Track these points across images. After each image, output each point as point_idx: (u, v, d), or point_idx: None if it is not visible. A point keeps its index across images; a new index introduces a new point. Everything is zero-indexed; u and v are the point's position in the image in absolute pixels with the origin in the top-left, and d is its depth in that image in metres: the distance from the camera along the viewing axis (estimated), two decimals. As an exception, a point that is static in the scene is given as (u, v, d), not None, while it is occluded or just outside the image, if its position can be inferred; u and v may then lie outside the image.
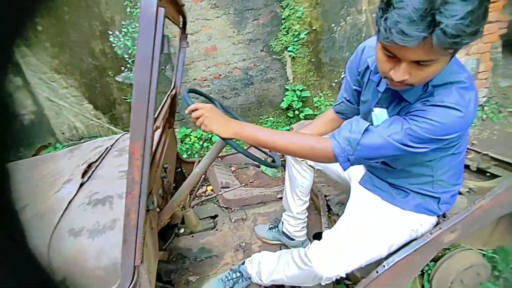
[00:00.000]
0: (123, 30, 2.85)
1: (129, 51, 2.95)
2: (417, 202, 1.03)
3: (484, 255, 1.40)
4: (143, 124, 0.74)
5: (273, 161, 1.38)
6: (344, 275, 1.02)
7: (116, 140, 1.75)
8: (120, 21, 2.88)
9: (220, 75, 3.29)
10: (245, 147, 1.72)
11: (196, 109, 0.95)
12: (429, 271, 1.41)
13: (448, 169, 0.98)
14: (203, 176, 2.17)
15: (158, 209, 1.25)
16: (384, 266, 1.02)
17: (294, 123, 3.23)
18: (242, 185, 2.02)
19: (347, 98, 1.20)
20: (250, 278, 1.29)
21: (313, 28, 3.20)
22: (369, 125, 0.86)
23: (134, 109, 0.73)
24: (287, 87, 3.40)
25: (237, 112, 3.42)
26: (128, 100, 3.23)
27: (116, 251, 0.92)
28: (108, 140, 1.78)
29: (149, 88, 0.72)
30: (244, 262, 1.32)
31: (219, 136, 0.96)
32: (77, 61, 3.02)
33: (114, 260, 0.91)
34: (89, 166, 1.41)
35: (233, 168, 2.43)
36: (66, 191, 1.22)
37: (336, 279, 1.07)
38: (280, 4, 3.08)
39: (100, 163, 1.45)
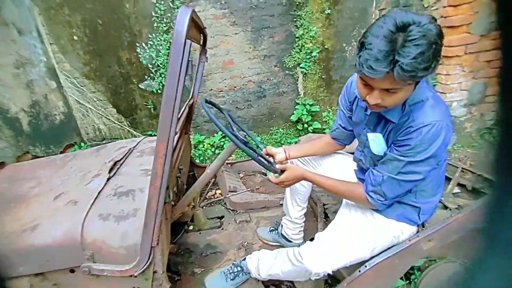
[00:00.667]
0: (149, 42, 3.12)
1: (153, 62, 3.21)
2: (399, 212, 1.16)
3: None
4: (168, 128, 0.93)
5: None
6: (330, 272, 1.15)
7: (138, 143, 1.95)
8: (147, 34, 3.15)
9: (235, 87, 3.50)
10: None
11: (283, 181, 1.24)
12: (416, 280, 1.53)
13: (430, 180, 1.11)
14: (213, 180, 2.35)
15: (172, 203, 1.43)
16: (366, 266, 1.15)
17: (303, 135, 3.39)
18: (248, 190, 2.18)
19: (342, 125, 1.40)
20: (249, 273, 1.43)
21: (325, 47, 3.38)
22: (382, 176, 1.04)
23: (162, 115, 0.91)
24: (297, 101, 3.57)
25: (249, 123, 3.62)
26: (149, 106, 3.47)
27: (137, 235, 1.10)
28: (131, 142, 1.98)
29: (174, 100, 0.91)
30: (245, 258, 1.47)
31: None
32: (105, 68, 3.30)
33: (135, 242, 1.09)
34: (115, 163, 1.61)
35: (241, 175, 2.59)
36: (96, 184, 1.41)
37: (328, 276, 1.21)
38: (295, 24, 3.29)
39: (124, 161, 1.65)
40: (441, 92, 2.97)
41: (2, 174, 1.88)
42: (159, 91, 3.40)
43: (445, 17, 2.75)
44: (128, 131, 3.58)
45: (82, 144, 3.43)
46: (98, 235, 1.12)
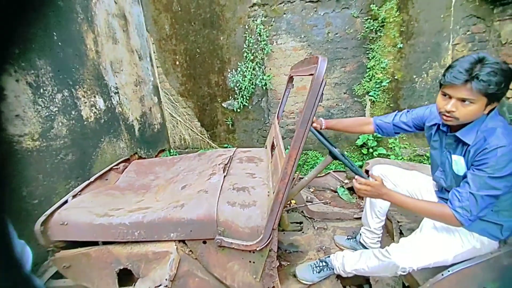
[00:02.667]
0: (238, 69, 3.65)
1: (238, 85, 3.72)
2: (482, 227, 1.33)
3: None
4: (300, 140, 1.26)
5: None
6: (415, 268, 1.34)
7: (234, 152, 2.34)
8: (235, 62, 3.69)
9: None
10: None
11: (368, 185, 1.34)
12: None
13: (511, 202, 1.28)
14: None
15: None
16: (449, 271, 1.33)
17: (367, 159, 3.55)
18: (323, 202, 2.44)
19: (395, 124, 1.66)
20: (333, 269, 1.67)
21: (395, 77, 3.58)
22: (467, 193, 1.22)
23: (299, 130, 1.25)
24: (364, 127, 3.77)
25: (315, 144, 3.90)
26: (228, 122, 3.97)
27: (259, 219, 1.43)
28: (227, 151, 2.38)
29: (308, 120, 1.25)
30: (329, 256, 1.72)
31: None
32: (197, 89, 3.91)
33: (257, 224, 1.42)
34: (224, 166, 2.01)
35: (311, 190, 2.86)
36: (215, 179, 1.80)
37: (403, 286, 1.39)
38: (367, 56, 3.57)
39: (230, 165, 2.04)
40: None
41: (131, 167, 2.41)
42: (238, 110, 3.88)
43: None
44: (208, 142, 4.11)
45: (172, 150, 4.03)
46: (228, 216, 1.48)
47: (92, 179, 2.10)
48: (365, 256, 1.53)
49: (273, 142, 2.33)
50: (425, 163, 3.27)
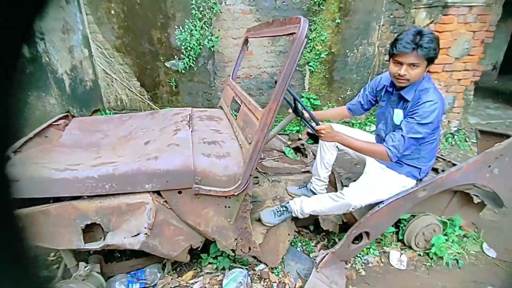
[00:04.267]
0: (185, 26, 3.47)
1: (184, 44, 3.56)
2: (407, 170, 1.74)
3: (439, 220, 2.12)
4: (280, 94, 1.39)
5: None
6: (363, 205, 1.68)
7: (191, 111, 2.32)
8: (181, 18, 3.49)
9: (251, 75, 3.96)
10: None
11: (323, 129, 1.63)
12: (403, 227, 2.14)
13: (427, 152, 1.70)
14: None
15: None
16: (383, 203, 1.72)
17: (303, 124, 3.93)
18: (274, 159, 2.67)
19: (362, 103, 2.00)
20: (291, 212, 1.93)
21: (332, 50, 3.96)
22: (401, 135, 1.56)
23: (280, 85, 1.36)
24: (302, 94, 4.11)
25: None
26: (171, 84, 3.81)
27: (235, 167, 1.55)
28: (183, 110, 2.34)
29: (289, 76, 1.37)
30: (288, 202, 1.97)
31: (325, 141, 1.71)
32: (136, 44, 3.58)
33: (235, 172, 1.54)
34: (187, 123, 2.01)
35: (260, 150, 3.07)
36: (183, 134, 1.81)
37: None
38: (310, 27, 3.81)
39: (192, 122, 2.05)
40: (421, 100, 3.67)
41: (73, 124, 2.20)
42: (183, 71, 3.75)
43: (431, 40, 3.45)
44: (148, 104, 3.89)
45: (107, 111, 3.68)
46: (206, 166, 1.55)
47: (31, 134, 1.85)
48: (322, 199, 1.83)
49: (232, 101, 2.39)
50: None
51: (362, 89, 2.04)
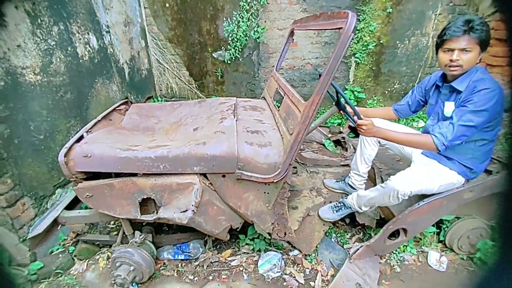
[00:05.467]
0: (233, 18, 3.59)
1: (231, 35, 3.68)
2: (459, 167, 1.67)
3: (487, 224, 2.01)
4: (324, 87, 1.43)
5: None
6: (411, 193, 1.64)
7: (236, 101, 2.44)
8: (229, 10, 3.61)
9: (295, 66, 3.97)
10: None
11: (364, 124, 1.63)
12: (445, 229, 2.06)
13: (482, 153, 1.63)
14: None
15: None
16: (424, 201, 1.69)
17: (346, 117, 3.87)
18: (313, 150, 2.71)
19: (410, 103, 1.95)
20: (350, 208, 1.98)
21: (381, 41, 3.80)
22: (450, 122, 1.49)
23: (324, 77, 1.41)
24: (346, 87, 4.03)
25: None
26: (217, 74, 3.98)
27: (276, 156, 1.64)
28: (229, 100, 2.48)
29: (334, 69, 1.41)
30: (342, 197, 2.03)
31: (365, 136, 1.71)
32: (187, 36, 3.80)
33: (275, 161, 1.63)
34: (233, 112, 2.14)
35: (300, 141, 3.12)
36: (228, 123, 1.94)
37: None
38: (358, 18, 3.70)
39: (236, 112, 2.17)
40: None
41: (132, 110, 2.45)
42: (229, 61, 3.89)
43: (496, 30, 3.14)
44: (196, 93, 4.12)
45: (159, 98, 3.99)
46: (248, 154, 1.67)
47: (99, 117, 2.13)
48: (372, 192, 1.83)
49: (276, 92, 2.46)
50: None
51: (411, 90, 1.99)
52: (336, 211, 1.98)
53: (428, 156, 1.78)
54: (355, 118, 1.73)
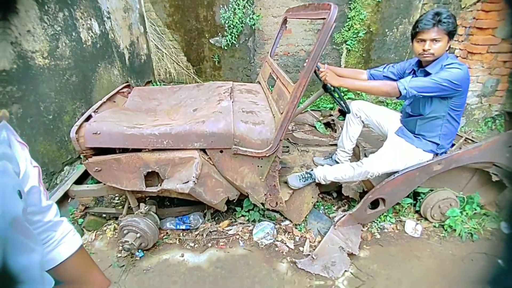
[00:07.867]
0: (229, 5, 3.70)
1: (228, 22, 3.80)
2: (426, 144, 1.89)
3: (457, 196, 2.25)
4: (310, 70, 1.61)
5: (348, 110, 2.19)
6: (380, 173, 1.88)
7: (232, 84, 2.61)
8: (225, -3, 3.72)
9: (289, 53, 4.12)
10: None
11: (324, 70, 1.82)
12: (421, 200, 2.30)
13: (448, 131, 1.84)
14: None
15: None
16: (398, 173, 1.90)
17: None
18: (305, 131, 2.91)
19: (384, 74, 2.11)
20: (315, 179, 2.19)
21: (370, 29, 3.95)
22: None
23: (311, 60, 1.59)
24: (338, 73, 4.20)
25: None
26: (214, 59, 4.11)
27: (268, 133, 1.83)
28: (225, 84, 2.63)
29: (319, 54, 1.59)
30: (312, 169, 2.23)
31: (330, 84, 1.84)
32: (184, 21, 3.90)
33: (267, 137, 1.82)
34: (229, 95, 2.30)
35: (293, 124, 3.31)
36: (225, 104, 2.11)
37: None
38: (349, 6, 3.83)
39: (232, 94, 2.34)
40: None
41: (134, 93, 2.60)
42: (225, 47, 4.02)
43: (477, 19, 3.31)
44: (193, 78, 4.25)
45: (158, 82, 4.12)
46: (243, 131, 1.85)
47: (104, 99, 2.28)
48: (343, 167, 2.05)
49: (269, 77, 2.63)
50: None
51: (390, 64, 2.13)
52: (303, 181, 2.16)
53: (399, 135, 1.99)
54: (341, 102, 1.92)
